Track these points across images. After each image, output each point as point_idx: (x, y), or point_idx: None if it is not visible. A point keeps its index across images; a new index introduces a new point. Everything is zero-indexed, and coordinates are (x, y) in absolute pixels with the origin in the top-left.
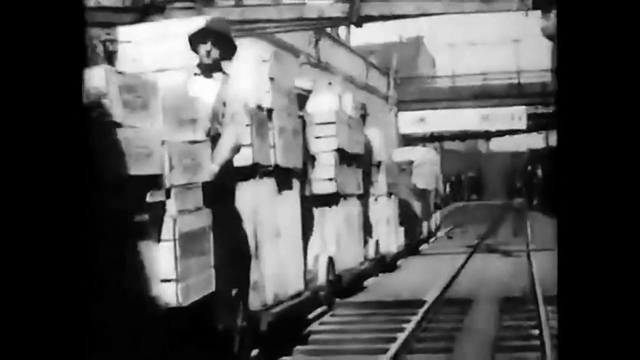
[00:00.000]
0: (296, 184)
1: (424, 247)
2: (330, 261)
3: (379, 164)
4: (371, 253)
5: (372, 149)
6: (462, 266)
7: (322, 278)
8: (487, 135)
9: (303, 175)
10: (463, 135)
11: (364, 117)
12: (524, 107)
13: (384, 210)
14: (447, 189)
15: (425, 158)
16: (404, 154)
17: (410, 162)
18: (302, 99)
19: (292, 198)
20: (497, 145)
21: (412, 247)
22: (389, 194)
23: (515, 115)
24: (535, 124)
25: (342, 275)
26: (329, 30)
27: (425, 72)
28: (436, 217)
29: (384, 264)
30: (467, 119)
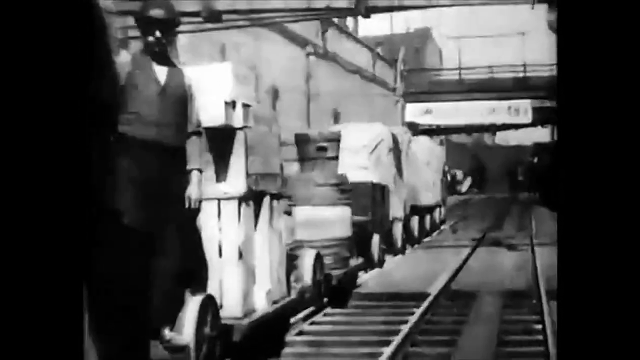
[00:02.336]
0: None
1: (427, 239)
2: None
3: (226, 133)
4: (185, 332)
5: (187, 95)
6: (466, 260)
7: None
8: (493, 128)
9: None
10: (469, 128)
11: (164, 24)
12: (530, 100)
13: (230, 228)
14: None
15: (378, 136)
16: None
17: (336, 137)
18: None
19: None
20: (503, 138)
21: (329, 290)
22: (249, 195)
23: (520, 109)
24: (541, 117)
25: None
26: (336, 21)
27: (432, 63)
28: (441, 209)
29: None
30: (474, 111)
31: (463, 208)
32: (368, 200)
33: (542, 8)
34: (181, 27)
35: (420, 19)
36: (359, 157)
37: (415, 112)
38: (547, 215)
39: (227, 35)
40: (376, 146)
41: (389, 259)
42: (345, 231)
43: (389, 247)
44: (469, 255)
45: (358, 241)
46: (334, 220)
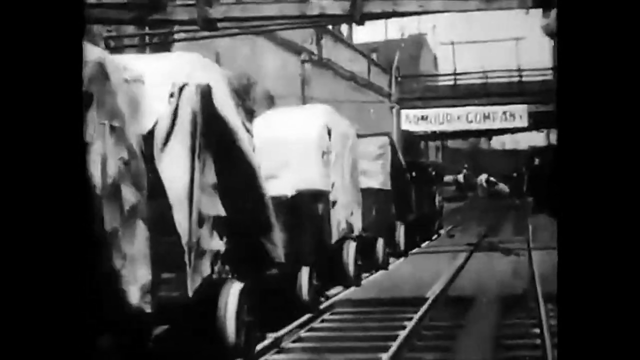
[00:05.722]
0: None
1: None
2: None
3: None
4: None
5: None
6: (463, 265)
7: None
8: (489, 133)
9: None
10: (465, 133)
11: None
12: (525, 105)
13: None
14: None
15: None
16: None
17: None
18: None
19: None
20: (499, 142)
21: None
22: None
23: (516, 113)
24: (536, 122)
25: None
26: (330, 27)
27: (427, 69)
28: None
29: None
30: (469, 116)
31: (460, 213)
32: None
33: (537, 13)
34: (177, 36)
35: (415, 25)
36: None
37: (410, 118)
38: (544, 220)
39: (223, 43)
40: None
41: None
42: None
43: None
44: (466, 260)
45: None
46: None
